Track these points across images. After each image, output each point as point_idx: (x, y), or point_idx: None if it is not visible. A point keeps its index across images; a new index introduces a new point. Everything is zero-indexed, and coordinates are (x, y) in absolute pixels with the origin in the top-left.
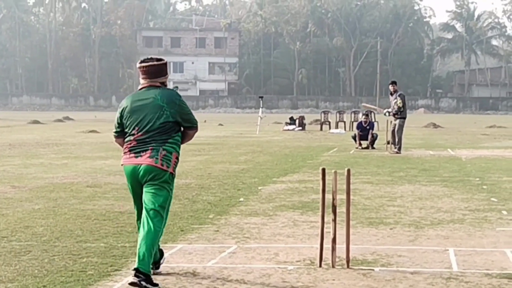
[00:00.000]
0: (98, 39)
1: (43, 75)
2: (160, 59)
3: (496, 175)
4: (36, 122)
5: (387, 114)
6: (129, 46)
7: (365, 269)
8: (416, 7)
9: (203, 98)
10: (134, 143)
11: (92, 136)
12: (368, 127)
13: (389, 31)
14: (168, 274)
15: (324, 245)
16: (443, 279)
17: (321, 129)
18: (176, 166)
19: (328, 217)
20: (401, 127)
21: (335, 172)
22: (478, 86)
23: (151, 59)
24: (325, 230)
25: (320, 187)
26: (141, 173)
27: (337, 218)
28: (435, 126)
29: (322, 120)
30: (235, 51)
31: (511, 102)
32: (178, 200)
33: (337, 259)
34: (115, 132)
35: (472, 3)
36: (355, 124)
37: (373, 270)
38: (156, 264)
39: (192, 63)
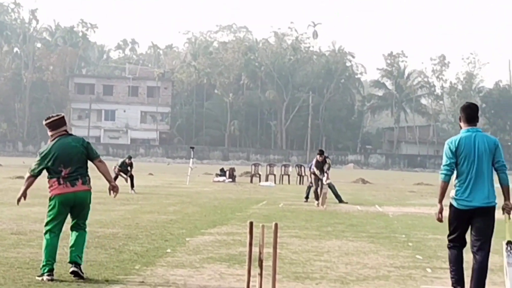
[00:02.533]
0: (29, 84)
1: None
2: (58, 114)
3: (422, 233)
4: None
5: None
6: (61, 93)
7: None
8: (348, 64)
9: (134, 146)
10: (65, 176)
11: (19, 182)
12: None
13: (321, 86)
14: None
15: None
16: None
17: (251, 181)
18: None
19: (255, 271)
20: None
21: (263, 226)
22: (407, 143)
23: (52, 116)
24: (251, 283)
25: (247, 241)
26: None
27: (264, 272)
28: (364, 181)
29: (253, 172)
30: (167, 101)
31: (438, 160)
32: (104, 250)
33: None
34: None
35: (402, 61)
36: (285, 177)
37: None
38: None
39: (124, 111)
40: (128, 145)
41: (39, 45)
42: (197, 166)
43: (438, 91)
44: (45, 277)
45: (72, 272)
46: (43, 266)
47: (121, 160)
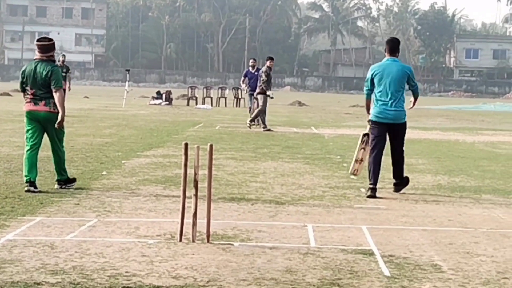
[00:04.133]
0: None
1: None
2: (51, 39)
3: None
4: None
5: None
6: None
7: (224, 244)
8: None
9: None
10: (31, 96)
11: None
12: (256, 73)
13: (257, 8)
14: (25, 247)
15: (185, 220)
16: (301, 254)
17: (188, 104)
18: None
19: (190, 192)
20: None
21: (198, 147)
22: (343, 66)
23: (45, 39)
24: (186, 205)
25: (182, 162)
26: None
27: (199, 193)
28: (300, 104)
29: (189, 95)
30: (102, 23)
31: None
32: (38, 173)
33: (197, 234)
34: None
35: None
36: (222, 100)
37: (232, 245)
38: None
39: (58, 33)
40: None
41: None
42: (133, 89)
43: (374, 13)
44: (26, 188)
45: (58, 188)
46: (25, 177)
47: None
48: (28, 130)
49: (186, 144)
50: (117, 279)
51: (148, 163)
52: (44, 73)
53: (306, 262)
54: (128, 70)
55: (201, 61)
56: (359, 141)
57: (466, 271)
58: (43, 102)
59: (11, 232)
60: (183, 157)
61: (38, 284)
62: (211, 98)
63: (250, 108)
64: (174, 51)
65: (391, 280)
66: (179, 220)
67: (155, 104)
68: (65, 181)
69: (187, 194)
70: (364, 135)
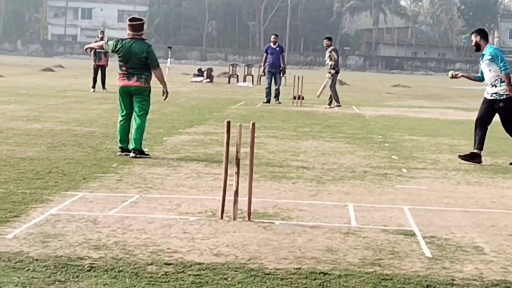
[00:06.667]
0: None
1: None
2: (141, 19)
3: (398, 134)
4: None
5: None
6: None
7: (265, 222)
8: None
9: None
10: (125, 72)
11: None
12: (277, 49)
13: None
14: (68, 222)
15: (227, 198)
16: (342, 233)
17: (229, 82)
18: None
19: (232, 170)
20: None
21: (240, 125)
22: (385, 45)
23: (135, 19)
24: (228, 182)
25: (224, 140)
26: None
27: (241, 171)
28: (341, 83)
29: (230, 73)
30: (145, 0)
31: (416, 62)
32: (81, 148)
33: (238, 212)
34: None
35: None
36: (263, 78)
37: (273, 223)
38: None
39: (101, 9)
40: None
41: None
42: (174, 66)
43: None
44: (118, 153)
45: (132, 157)
46: (120, 146)
47: (93, 43)
48: (121, 103)
49: (228, 122)
50: (159, 255)
51: (190, 140)
52: (140, 52)
53: (347, 242)
54: (170, 47)
55: (243, 39)
56: None
57: (508, 254)
58: (135, 77)
59: (55, 207)
60: (225, 135)
61: (81, 258)
62: (252, 76)
63: (268, 86)
64: (215, 29)
65: (433, 261)
66: (221, 198)
67: (196, 82)
68: (139, 151)
69: (229, 172)
70: None
